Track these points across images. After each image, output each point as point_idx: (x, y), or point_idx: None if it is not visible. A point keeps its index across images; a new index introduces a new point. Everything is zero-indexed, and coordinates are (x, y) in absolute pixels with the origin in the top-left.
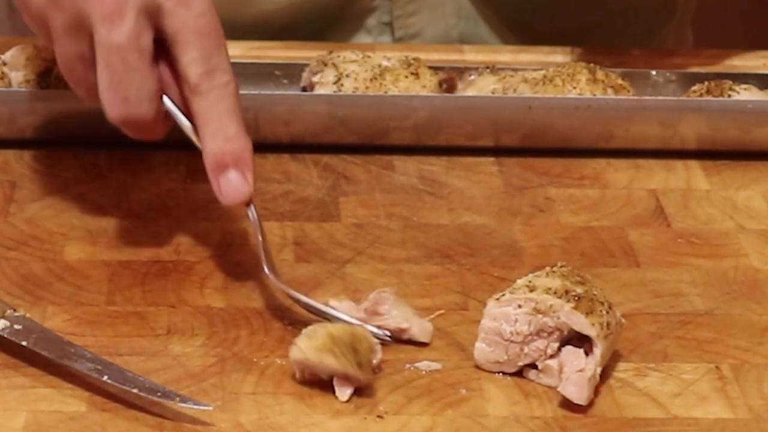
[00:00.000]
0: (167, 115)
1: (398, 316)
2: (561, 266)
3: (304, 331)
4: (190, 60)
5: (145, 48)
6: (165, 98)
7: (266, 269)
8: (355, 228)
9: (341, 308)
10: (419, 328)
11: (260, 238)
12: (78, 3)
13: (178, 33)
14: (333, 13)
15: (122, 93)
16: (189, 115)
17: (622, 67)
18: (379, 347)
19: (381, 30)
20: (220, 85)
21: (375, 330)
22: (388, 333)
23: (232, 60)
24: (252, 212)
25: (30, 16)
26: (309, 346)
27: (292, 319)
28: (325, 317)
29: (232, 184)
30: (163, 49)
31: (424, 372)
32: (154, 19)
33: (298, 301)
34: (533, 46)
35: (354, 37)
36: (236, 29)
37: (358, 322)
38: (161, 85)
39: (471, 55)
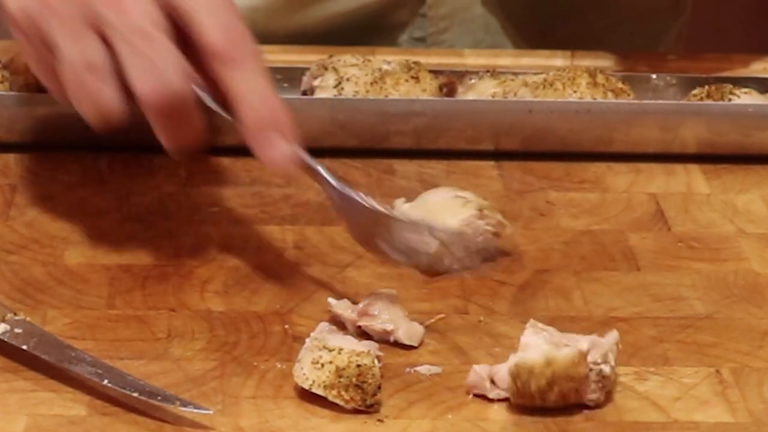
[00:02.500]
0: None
1: (387, 318)
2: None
3: (305, 347)
4: (211, 30)
5: (161, 23)
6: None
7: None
8: None
9: (338, 307)
10: (406, 331)
11: (324, 175)
12: (78, 2)
13: (192, 7)
14: (366, 28)
15: (154, 69)
16: (215, 94)
17: (623, 71)
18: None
19: (412, 45)
20: (246, 51)
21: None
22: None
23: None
24: (307, 160)
25: (23, 35)
26: (315, 380)
27: (292, 323)
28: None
29: (277, 150)
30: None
31: (424, 376)
32: (162, 2)
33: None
34: (534, 50)
35: None
36: (271, 44)
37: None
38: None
39: (471, 59)
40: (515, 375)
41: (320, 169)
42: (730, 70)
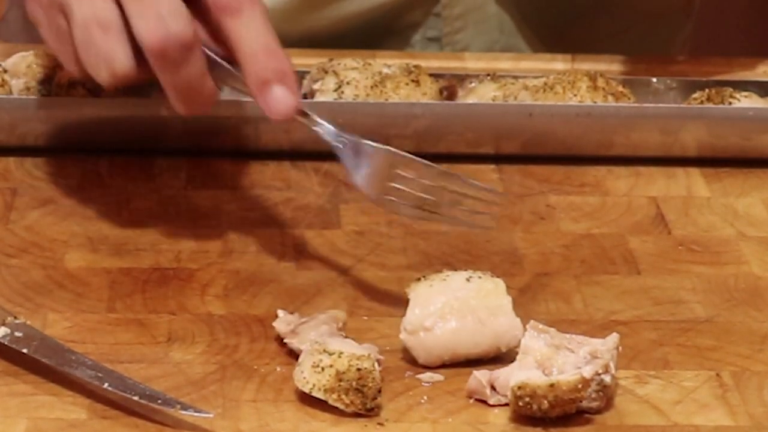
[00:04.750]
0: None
1: (312, 337)
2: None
3: (305, 350)
4: None
5: None
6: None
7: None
8: (355, 235)
9: (280, 321)
10: None
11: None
12: None
13: None
14: (379, 29)
15: (158, 17)
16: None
17: (623, 74)
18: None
19: (425, 45)
20: (248, 2)
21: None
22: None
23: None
24: (306, 117)
25: (38, 5)
26: (315, 383)
27: None
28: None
29: (279, 99)
30: None
31: (426, 382)
32: None
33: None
34: (534, 53)
35: None
36: (283, 45)
37: None
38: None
39: (472, 63)
40: (517, 396)
41: (320, 120)
42: (730, 74)
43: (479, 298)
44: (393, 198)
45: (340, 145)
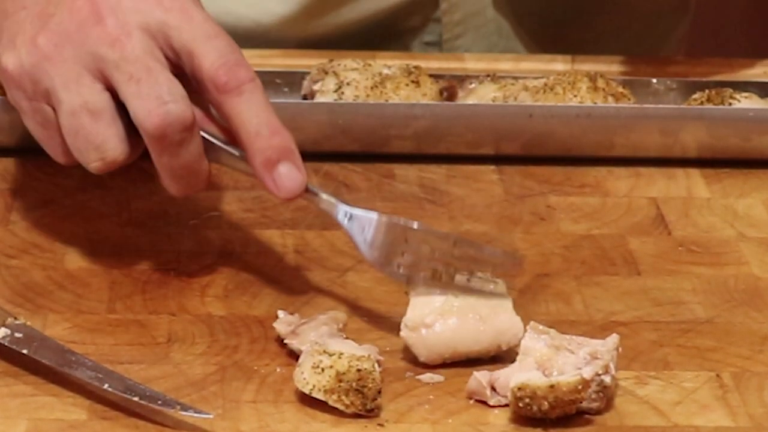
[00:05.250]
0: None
1: (313, 338)
2: None
3: (305, 351)
4: (211, 62)
5: (160, 57)
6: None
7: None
8: None
9: (280, 322)
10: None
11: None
12: (78, 46)
13: (191, 42)
14: (378, 34)
15: (155, 94)
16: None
17: (623, 75)
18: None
19: (424, 50)
20: (248, 80)
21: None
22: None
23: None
24: (313, 194)
25: (20, 91)
26: (315, 384)
27: None
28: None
29: (287, 178)
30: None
31: (426, 383)
32: (158, 39)
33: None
34: (535, 54)
35: None
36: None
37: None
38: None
39: (472, 64)
40: (517, 397)
41: (326, 195)
42: (730, 74)
43: (480, 296)
44: (404, 269)
45: (347, 220)
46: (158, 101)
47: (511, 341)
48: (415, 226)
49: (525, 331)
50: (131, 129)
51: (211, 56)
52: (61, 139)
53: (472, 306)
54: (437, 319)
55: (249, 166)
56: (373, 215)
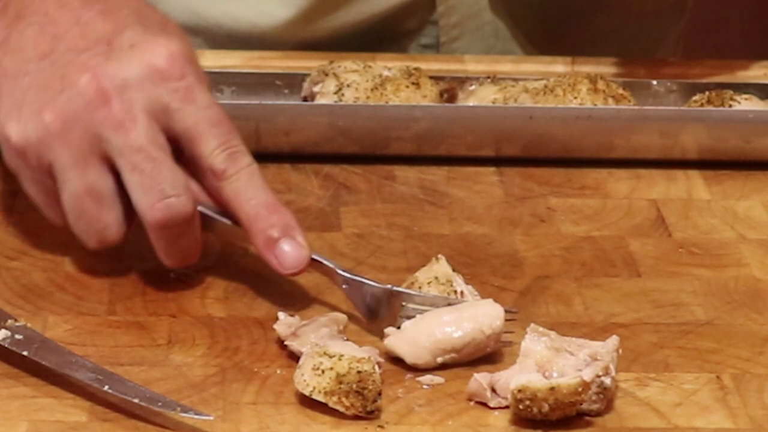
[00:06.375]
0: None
1: (313, 340)
2: None
3: (306, 353)
4: (212, 149)
5: (164, 144)
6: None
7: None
8: (356, 238)
9: (281, 324)
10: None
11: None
12: (85, 127)
13: (192, 128)
14: (375, 37)
15: (158, 187)
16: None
17: (623, 77)
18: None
19: (421, 53)
20: (246, 165)
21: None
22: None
23: (233, 70)
24: (318, 263)
25: (23, 162)
26: (315, 386)
27: None
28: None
29: (289, 255)
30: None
31: (426, 385)
32: (161, 121)
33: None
34: (535, 56)
35: None
36: (281, 54)
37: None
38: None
39: (472, 65)
40: (518, 399)
41: (330, 263)
42: (730, 76)
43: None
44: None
45: (349, 287)
46: (160, 195)
47: (492, 324)
48: (411, 292)
49: (525, 333)
50: (131, 205)
51: (212, 143)
52: (60, 210)
53: (448, 306)
54: (414, 321)
55: (253, 245)
56: (372, 283)
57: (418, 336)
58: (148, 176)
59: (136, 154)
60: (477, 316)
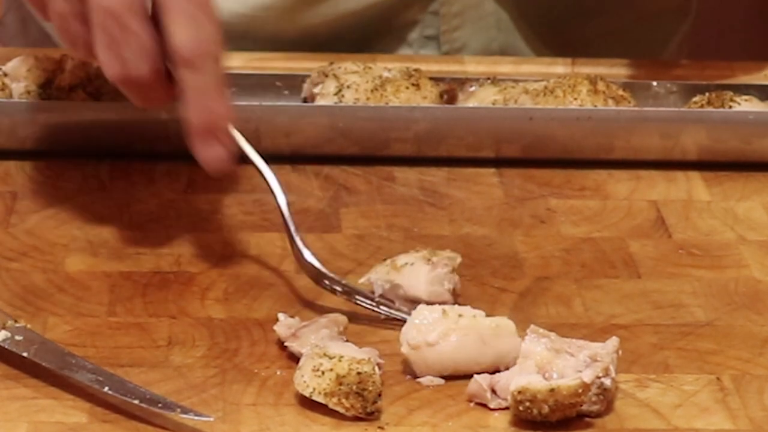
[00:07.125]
0: (171, 79)
1: (313, 341)
2: None
3: (306, 354)
4: (181, 36)
5: (138, 9)
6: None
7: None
8: (356, 239)
9: (281, 325)
10: None
11: (283, 210)
12: None
13: (171, 7)
14: (375, 26)
15: (119, 53)
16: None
17: (623, 78)
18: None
19: (423, 43)
20: (209, 59)
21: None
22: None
23: (233, 71)
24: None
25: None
26: (315, 387)
27: None
28: (348, 296)
29: (212, 152)
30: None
31: (426, 386)
32: None
33: (323, 278)
34: (534, 57)
35: (396, 51)
36: (281, 43)
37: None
38: (160, 46)
39: (472, 66)
40: (518, 400)
41: (272, 179)
42: (730, 78)
43: (483, 315)
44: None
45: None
46: (120, 61)
47: (510, 364)
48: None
49: (525, 335)
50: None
51: (182, 31)
52: (87, 33)
53: (475, 326)
54: (440, 338)
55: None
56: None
57: (438, 362)
58: (113, 39)
59: (107, 15)
60: (500, 354)
